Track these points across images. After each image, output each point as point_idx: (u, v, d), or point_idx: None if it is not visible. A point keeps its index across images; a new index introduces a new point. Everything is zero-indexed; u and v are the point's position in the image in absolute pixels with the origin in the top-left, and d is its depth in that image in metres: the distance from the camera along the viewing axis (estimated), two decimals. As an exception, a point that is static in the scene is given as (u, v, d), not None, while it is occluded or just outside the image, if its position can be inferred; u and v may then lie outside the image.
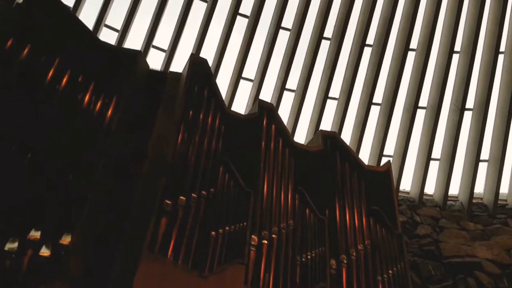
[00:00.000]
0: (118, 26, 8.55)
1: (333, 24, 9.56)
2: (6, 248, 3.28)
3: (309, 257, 5.13)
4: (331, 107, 9.62)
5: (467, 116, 9.47)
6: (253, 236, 4.74)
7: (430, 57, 9.37)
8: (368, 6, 9.34)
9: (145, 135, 4.65)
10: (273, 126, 5.88)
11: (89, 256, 3.90)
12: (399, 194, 9.54)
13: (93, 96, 4.32)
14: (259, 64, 9.43)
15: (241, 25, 9.32)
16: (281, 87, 9.35)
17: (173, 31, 8.91)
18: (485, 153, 9.42)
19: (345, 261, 5.41)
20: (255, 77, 9.43)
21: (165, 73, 5.87)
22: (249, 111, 6.40)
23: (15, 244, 3.32)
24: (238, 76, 9.19)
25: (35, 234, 3.43)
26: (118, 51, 5.41)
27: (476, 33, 9.13)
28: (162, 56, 8.93)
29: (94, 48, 4.67)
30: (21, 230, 3.40)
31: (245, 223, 4.71)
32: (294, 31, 9.39)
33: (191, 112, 4.75)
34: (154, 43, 8.83)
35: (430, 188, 9.77)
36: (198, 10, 9.07)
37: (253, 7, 9.30)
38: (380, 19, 9.57)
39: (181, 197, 4.11)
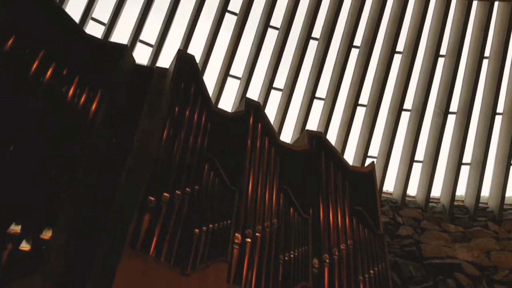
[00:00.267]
0: (105, 20, 8.45)
1: (321, 24, 9.59)
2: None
3: (292, 256, 5.15)
4: (317, 107, 9.66)
5: (451, 120, 9.57)
6: (236, 234, 4.74)
7: (416, 60, 9.45)
8: (356, 8, 9.39)
9: (130, 130, 4.60)
10: (259, 125, 5.88)
11: (70, 252, 3.86)
12: (382, 195, 9.60)
13: (77, 90, 4.25)
14: (247, 62, 9.40)
15: (229, 22, 9.29)
16: (269, 86, 9.33)
17: (160, 26, 8.83)
18: (467, 157, 9.52)
19: (327, 261, 5.44)
20: (242, 75, 9.40)
21: (152, 68, 5.83)
22: (236, 109, 6.39)
23: (-5, 238, 3.27)
24: (225, 73, 9.14)
25: (16, 228, 3.38)
26: (104, 44, 5.36)
27: (461, 38, 9.24)
28: (149, 51, 8.85)
29: (80, 41, 4.60)
30: (1, 224, 3.34)
31: (229, 221, 4.71)
32: (283, 30, 9.38)
33: (177, 108, 4.73)
34: (141, 37, 8.75)
35: (412, 189, 9.87)
36: (186, 5, 9.01)
37: (242, 4, 9.27)
38: (368, 21, 9.62)
39: (165, 194, 4.09)
